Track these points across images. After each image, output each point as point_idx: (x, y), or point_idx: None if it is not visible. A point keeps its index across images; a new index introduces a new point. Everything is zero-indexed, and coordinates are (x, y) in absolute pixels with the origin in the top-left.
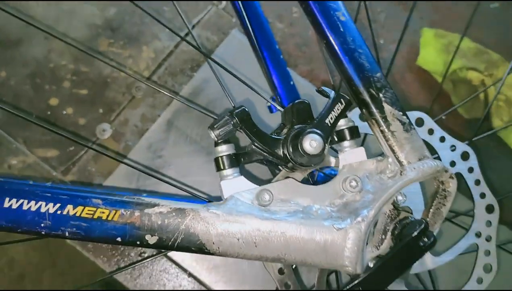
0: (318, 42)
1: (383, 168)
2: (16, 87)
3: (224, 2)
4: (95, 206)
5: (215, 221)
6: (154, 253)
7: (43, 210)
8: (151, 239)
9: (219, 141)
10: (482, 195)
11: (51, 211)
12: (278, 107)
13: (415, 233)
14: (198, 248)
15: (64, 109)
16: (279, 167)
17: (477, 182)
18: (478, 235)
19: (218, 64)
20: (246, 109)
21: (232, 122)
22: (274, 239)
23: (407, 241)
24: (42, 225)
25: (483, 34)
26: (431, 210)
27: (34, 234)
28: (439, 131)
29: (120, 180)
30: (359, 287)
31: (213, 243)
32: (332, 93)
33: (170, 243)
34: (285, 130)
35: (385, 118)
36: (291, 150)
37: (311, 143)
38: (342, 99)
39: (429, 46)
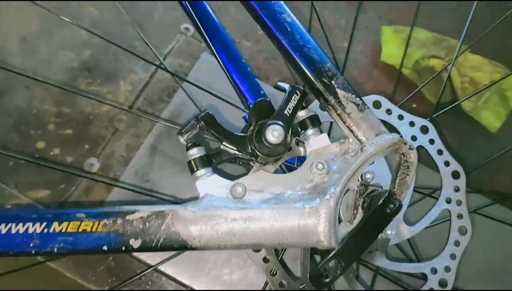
0: None
1: (346, 149)
2: (3, 137)
3: (192, 30)
4: (79, 220)
5: (193, 218)
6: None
7: (30, 230)
8: (135, 243)
9: (189, 145)
10: (447, 163)
11: (38, 230)
12: None
13: (381, 201)
14: (181, 245)
15: (51, 151)
16: (251, 163)
17: (440, 152)
18: (448, 201)
19: (193, 84)
20: (210, 112)
21: (198, 126)
22: (250, 227)
23: (374, 209)
24: (31, 244)
25: (439, 23)
26: (396, 181)
27: (25, 254)
28: (396, 110)
29: None
30: (335, 257)
31: (194, 238)
32: (287, 86)
33: (153, 244)
34: (251, 128)
35: (340, 103)
36: (256, 143)
37: (273, 133)
38: (297, 91)
39: (389, 42)
